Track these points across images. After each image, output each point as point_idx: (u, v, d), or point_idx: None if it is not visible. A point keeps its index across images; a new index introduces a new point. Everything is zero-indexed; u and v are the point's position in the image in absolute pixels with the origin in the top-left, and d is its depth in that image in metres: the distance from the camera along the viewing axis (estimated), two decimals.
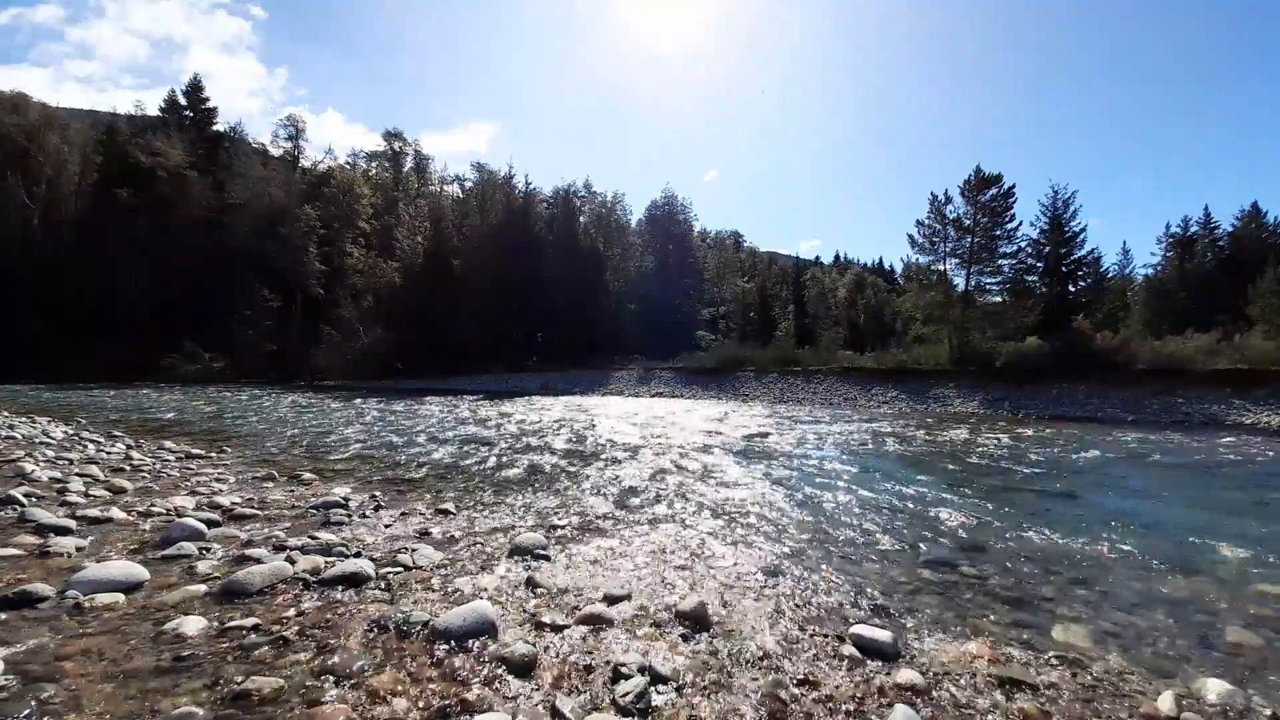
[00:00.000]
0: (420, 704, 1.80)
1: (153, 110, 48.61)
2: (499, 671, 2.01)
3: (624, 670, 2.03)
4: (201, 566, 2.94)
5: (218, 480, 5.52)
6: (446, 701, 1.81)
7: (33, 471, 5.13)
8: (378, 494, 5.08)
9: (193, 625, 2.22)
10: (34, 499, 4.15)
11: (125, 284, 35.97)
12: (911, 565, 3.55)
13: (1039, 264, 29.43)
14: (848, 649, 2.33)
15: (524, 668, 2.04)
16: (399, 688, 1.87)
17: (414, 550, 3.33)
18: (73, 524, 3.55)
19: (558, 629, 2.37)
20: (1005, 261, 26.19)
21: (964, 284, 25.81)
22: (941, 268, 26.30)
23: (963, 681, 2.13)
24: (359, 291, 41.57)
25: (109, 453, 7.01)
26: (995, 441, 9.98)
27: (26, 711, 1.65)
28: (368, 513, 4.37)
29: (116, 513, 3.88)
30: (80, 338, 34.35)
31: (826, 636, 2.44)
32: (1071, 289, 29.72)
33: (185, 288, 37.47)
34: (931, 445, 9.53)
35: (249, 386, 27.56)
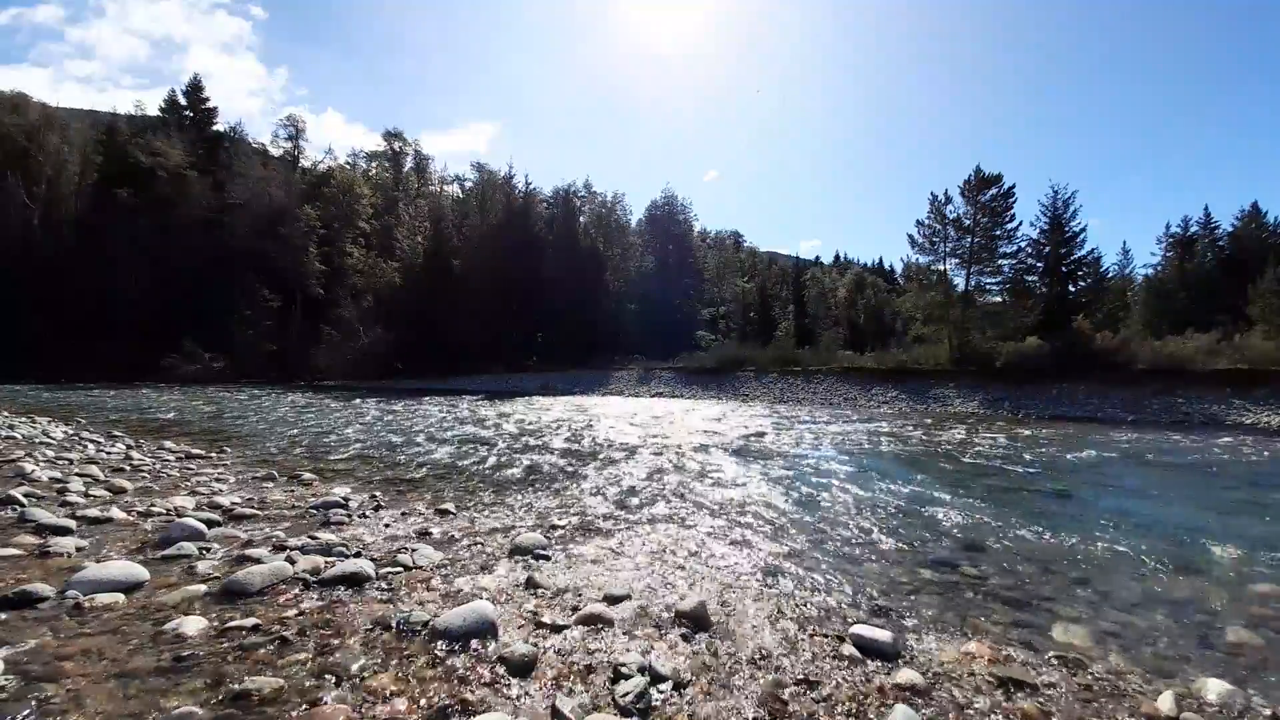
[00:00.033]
0: (420, 704, 1.80)
1: (153, 110, 48.70)
2: (499, 671, 2.01)
3: (624, 670, 2.03)
4: (201, 566, 2.94)
5: (218, 480, 5.52)
6: (446, 701, 1.81)
7: (33, 471, 5.12)
8: (378, 494, 5.08)
9: (193, 625, 2.22)
10: (34, 499, 4.15)
11: (125, 284, 35.97)
12: (911, 565, 3.55)
13: (1039, 264, 29.42)
14: (848, 649, 2.33)
15: (524, 668, 2.04)
16: (399, 688, 1.87)
17: (414, 550, 3.33)
18: (73, 524, 3.55)
19: (558, 629, 2.37)
20: (1005, 261, 26.22)
21: (964, 284, 25.82)
22: (941, 268, 26.31)
23: (963, 681, 2.13)
24: (359, 291, 41.57)
25: (109, 453, 7.01)
26: (995, 441, 9.98)
27: (26, 711, 1.65)
28: (368, 513, 4.37)
29: (116, 513, 3.88)
30: (80, 338, 34.34)
31: (826, 636, 2.44)
32: (1071, 289, 29.70)
33: (185, 288, 37.47)
34: (931, 445, 9.53)
35: (249, 386, 27.56)
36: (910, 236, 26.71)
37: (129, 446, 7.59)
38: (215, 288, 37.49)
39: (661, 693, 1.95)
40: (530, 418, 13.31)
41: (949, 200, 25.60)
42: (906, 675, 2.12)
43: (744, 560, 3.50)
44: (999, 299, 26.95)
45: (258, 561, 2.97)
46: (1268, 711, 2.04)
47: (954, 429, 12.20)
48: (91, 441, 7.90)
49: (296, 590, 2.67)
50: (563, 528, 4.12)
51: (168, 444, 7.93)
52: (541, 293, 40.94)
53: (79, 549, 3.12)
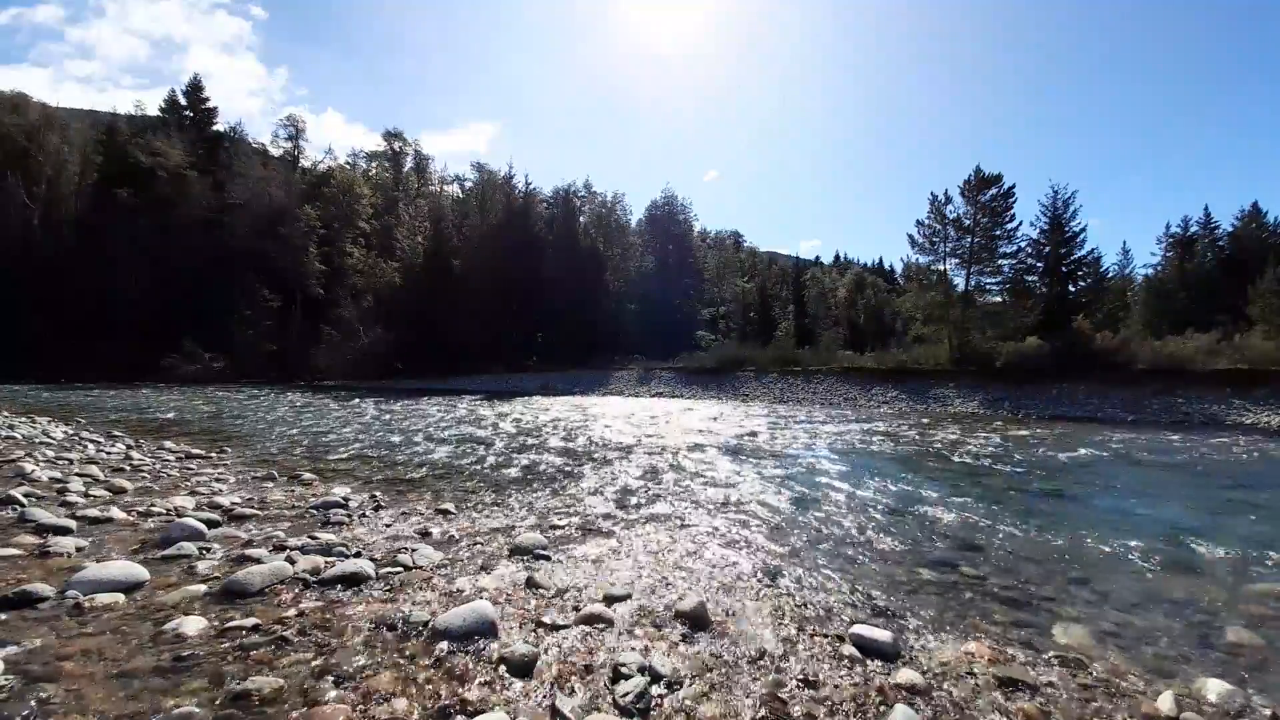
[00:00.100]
0: (420, 704, 1.80)
1: (153, 110, 48.70)
2: (499, 671, 2.01)
3: (624, 670, 2.03)
4: (201, 566, 2.94)
5: (218, 480, 5.53)
6: (446, 701, 1.81)
7: (33, 471, 5.12)
8: (378, 494, 5.09)
9: (193, 625, 2.22)
10: (34, 499, 4.15)
11: (125, 284, 35.97)
12: (911, 565, 3.55)
13: (1039, 264, 29.41)
14: (847, 649, 2.33)
15: (524, 668, 2.04)
16: (399, 688, 1.87)
17: (414, 550, 3.33)
18: (73, 524, 3.55)
19: (558, 629, 2.37)
20: (1005, 261, 26.20)
21: (964, 284, 25.81)
22: (941, 268, 26.30)
23: (963, 681, 2.13)
24: (359, 291, 41.57)
25: (109, 453, 7.01)
26: (995, 442, 9.98)
27: (26, 711, 1.65)
28: (368, 513, 4.37)
29: (116, 513, 3.88)
30: (80, 338, 34.34)
31: (826, 636, 2.44)
32: (1071, 289, 29.69)
33: (185, 288, 37.47)
34: (931, 445, 9.53)
35: (249, 386, 27.56)
36: (910, 236, 26.73)
37: (129, 446, 7.59)
38: (215, 288, 37.49)
39: (661, 693, 1.95)
40: (530, 418, 13.31)
41: (949, 200, 25.60)
42: (906, 675, 2.12)
43: (743, 560, 3.50)
44: (999, 299, 26.94)
45: (258, 561, 2.97)
46: (1267, 711, 2.04)
47: (954, 429, 12.20)
48: (91, 441, 7.90)
49: (296, 590, 2.67)
50: (562, 528, 4.12)
51: (168, 444, 7.93)
52: (541, 293, 40.93)
53: (79, 549, 3.12)
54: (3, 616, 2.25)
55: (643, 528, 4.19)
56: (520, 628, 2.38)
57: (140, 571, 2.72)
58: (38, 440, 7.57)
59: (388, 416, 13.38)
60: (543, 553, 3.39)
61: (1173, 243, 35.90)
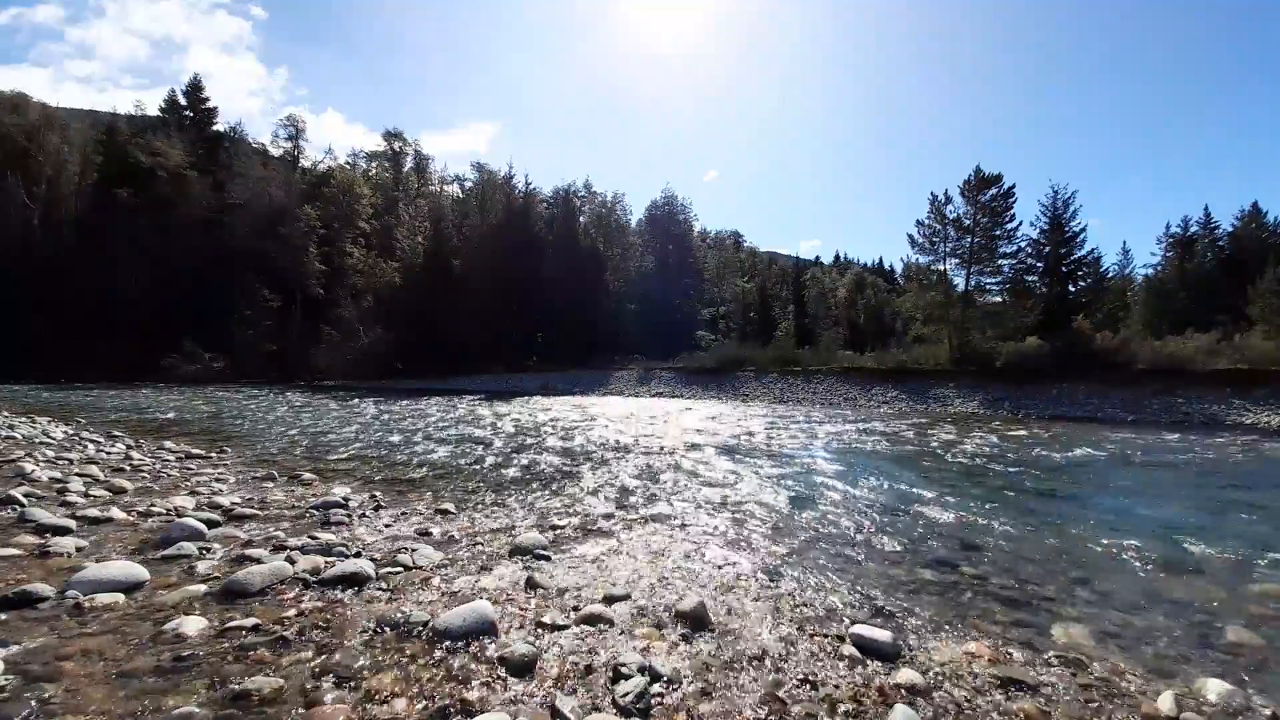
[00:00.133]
0: (420, 704, 1.80)
1: (153, 110, 48.73)
2: (499, 671, 2.01)
3: (624, 670, 2.03)
4: (201, 566, 2.94)
5: (217, 480, 5.53)
6: (446, 701, 1.81)
7: (33, 471, 5.12)
8: (378, 494, 5.08)
9: (193, 625, 2.22)
10: (34, 499, 4.15)
11: (125, 284, 35.98)
12: (911, 565, 3.55)
13: (1039, 264, 29.43)
14: (848, 649, 2.32)
15: (524, 668, 2.04)
16: (399, 688, 1.87)
17: (414, 550, 3.33)
18: (73, 524, 3.55)
19: (558, 629, 2.37)
20: (1005, 261, 26.24)
21: (964, 284, 25.83)
22: (941, 268, 26.32)
23: (963, 681, 2.13)
24: (359, 291, 41.59)
25: (109, 453, 7.01)
26: (994, 442, 9.98)
27: (26, 711, 1.65)
28: (368, 513, 4.37)
29: (116, 513, 3.88)
30: (80, 338, 34.35)
31: (826, 636, 2.44)
32: (1071, 289, 29.71)
33: (185, 288, 37.48)
34: (931, 445, 9.53)
35: (249, 386, 27.56)
36: (910, 236, 26.76)
37: (129, 446, 7.59)
38: (215, 288, 37.50)
39: (661, 692, 1.95)
40: (530, 418, 13.31)
41: (949, 200, 25.62)
42: (906, 675, 2.12)
43: (743, 560, 3.50)
44: (999, 299, 26.96)
45: (258, 561, 2.97)
46: (1267, 711, 2.04)
47: (954, 429, 12.20)
48: (91, 441, 7.90)
49: (296, 590, 2.67)
50: (562, 528, 4.12)
51: (168, 444, 7.93)
52: (541, 293, 40.94)
53: (79, 549, 3.12)
54: (3, 616, 2.25)
55: (642, 528, 4.19)
56: (520, 628, 2.38)
57: (140, 571, 2.72)
58: (38, 440, 7.57)
59: (387, 416, 13.38)
60: (542, 553, 3.39)
61: (1173, 243, 35.92)
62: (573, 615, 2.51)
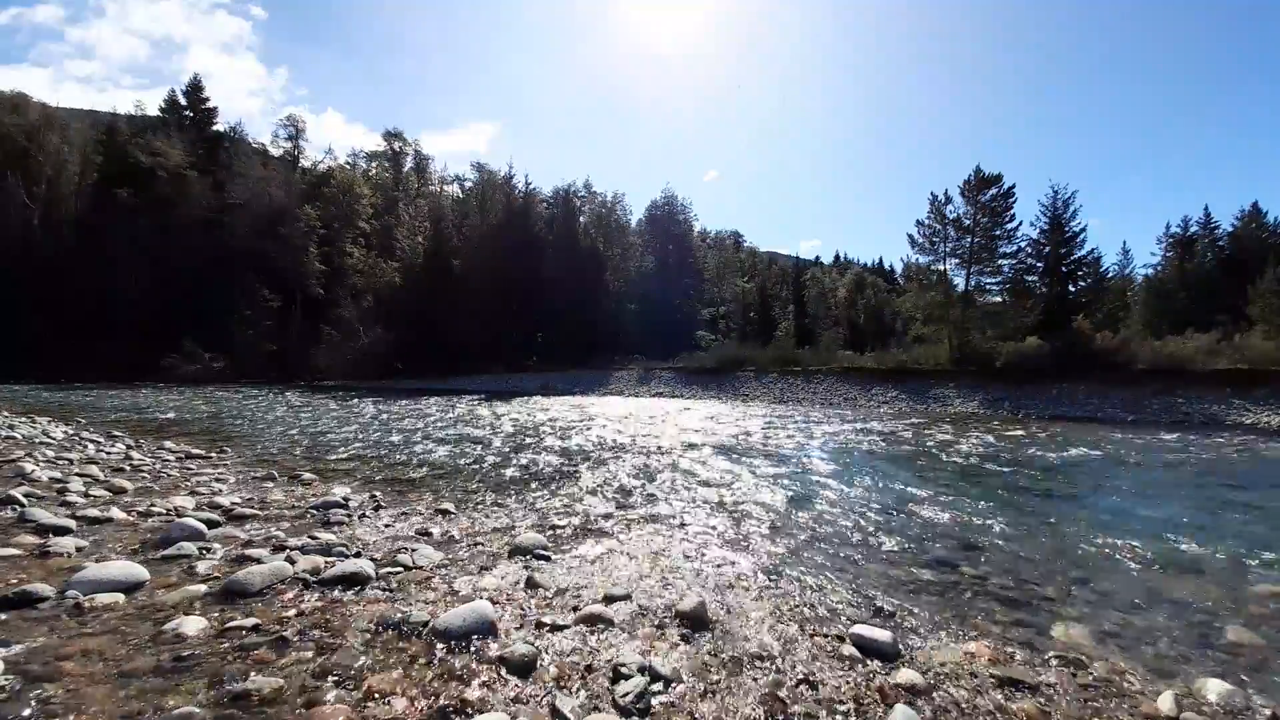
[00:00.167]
0: (420, 704, 1.80)
1: (153, 110, 48.71)
2: (499, 671, 2.01)
3: (624, 670, 2.03)
4: (201, 566, 2.94)
5: (217, 480, 5.52)
6: (446, 701, 1.81)
7: (33, 471, 5.12)
8: (378, 494, 5.08)
9: (193, 625, 2.22)
10: (34, 499, 4.15)
11: (125, 284, 35.97)
12: (910, 565, 3.55)
13: (1039, 264, 29.42)
14: (848, 649, 2.33)
15: (524, 667, 2.04)
16: (399, 688, 1.87)
17: (414, 550, 3.33)
18: (73, 524, 3.55)
19: (558, 629, 2.37)
20: (1005, 261, 26.22)
21: (964, 284, 25.82)
22: (941, 268, 26.31)
23: (963, 682, 2.13)
24: (359, 291, 41.58)
25: (109, 453, 7.01)
26: (994, 441, 9.98)
27: (26, 711, 1.65)
28: (368, 513, 4.37)
29: (116, 513, 3.88)
30: (80, 338, 34.35)
31: (826, 636, 2.44)
32: (1071, 289, 29.70)
33: (185, 288, 37.47)
34: (931, 445, 9.53)
35: (249, 386, 27.56)
36: (910, 236, 26.74)
37: (129, 446, 7.59)
38: (215, 288, 37.49)
39: (661, 692, 1.95)
40: (529, 418, 13.31)
41: (949, 200, 25.61)
42: (907, 675, 2.12)
43: (743, 560, 3.50)
44: (999, 299, 26.95)
45: (258, 561, 2.97)
46: (1268, 711, 2.04)
47: (954, 429, 12.20)
48: (91, 441, 7.90)
49: (296, 590, 2.67)
50: (562, 528, 4.12)
51: (168, 444, 7.93)
52: (541, 293, 40.94)
53: (79, 549, 3.12)
54: (3, 616, 2.25)
55: (642, 528, 4.19)
56: (520, 628, 2.38)
57: (140, 571, 2.72)
58: (38, 440, 7.57)
59: (387, 416, 13.38)
60: (542, 552, 3.39)
61: (1173, 243, 35.92)
62: (573, 615, 2.50)
